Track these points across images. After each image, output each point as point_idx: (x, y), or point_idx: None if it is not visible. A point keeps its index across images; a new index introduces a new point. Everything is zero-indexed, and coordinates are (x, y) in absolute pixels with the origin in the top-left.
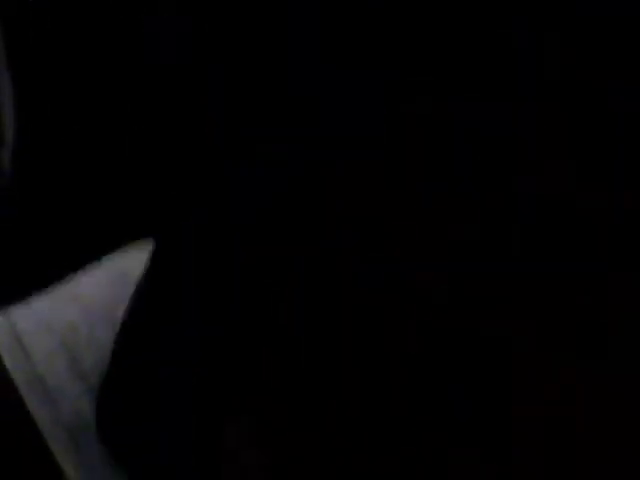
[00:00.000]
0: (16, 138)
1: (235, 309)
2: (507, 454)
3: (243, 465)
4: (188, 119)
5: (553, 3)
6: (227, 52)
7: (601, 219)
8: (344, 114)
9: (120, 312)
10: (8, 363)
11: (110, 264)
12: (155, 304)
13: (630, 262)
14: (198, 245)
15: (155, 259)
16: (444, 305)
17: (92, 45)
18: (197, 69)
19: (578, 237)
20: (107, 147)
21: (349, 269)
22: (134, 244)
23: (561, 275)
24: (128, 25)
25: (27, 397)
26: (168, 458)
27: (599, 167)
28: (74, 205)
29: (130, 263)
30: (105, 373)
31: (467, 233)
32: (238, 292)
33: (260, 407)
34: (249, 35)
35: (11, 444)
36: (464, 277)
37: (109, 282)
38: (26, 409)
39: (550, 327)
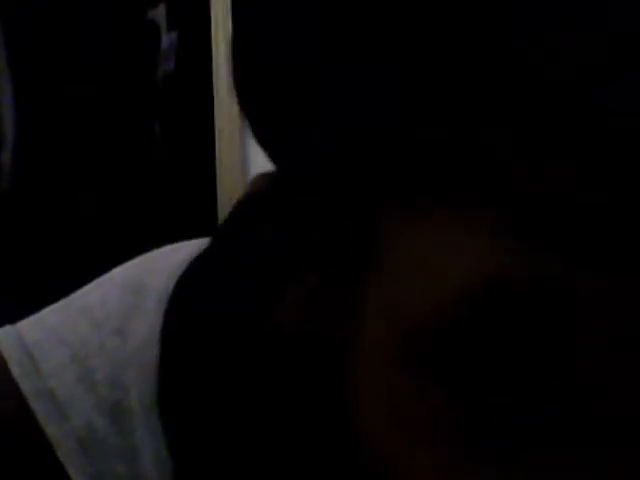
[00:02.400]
0: (16, 138)
1: None
2: None
3: None
4: None
5: None
6: None
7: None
8: None
9: (132, 323)
10: (17, 376)
11: (121, 274)
12: None
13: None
14: None
15: None
16: None
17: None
18: None
19: (578, 237)
20: (108, 147)
21: None
22: (144, 253)
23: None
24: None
25: (37, 410)
26: None
27: (599, 167)
28: (76, 208)
29: (142, 273)
30: None
31: None
32: None
33: None
34: None
35: (21, 458)
36: None
37: (120, 293)
38: (36, 422)
39: None
